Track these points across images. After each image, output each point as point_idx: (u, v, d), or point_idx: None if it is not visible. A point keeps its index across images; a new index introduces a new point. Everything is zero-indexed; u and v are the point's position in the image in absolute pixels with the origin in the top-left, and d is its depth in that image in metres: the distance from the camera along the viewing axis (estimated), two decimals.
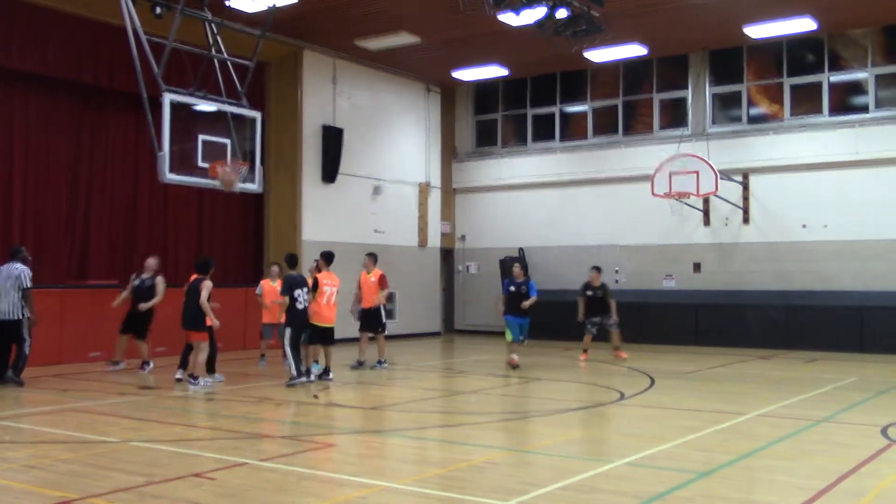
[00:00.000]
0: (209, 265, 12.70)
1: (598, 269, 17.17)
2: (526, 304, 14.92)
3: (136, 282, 14.35)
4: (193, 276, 12.54)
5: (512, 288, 15.18)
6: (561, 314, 21.51)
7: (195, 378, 12.06)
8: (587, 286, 16.80)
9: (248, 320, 18.43)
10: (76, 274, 17.17)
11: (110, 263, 17.77)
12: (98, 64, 16.95)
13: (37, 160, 16.67)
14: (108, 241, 17.82)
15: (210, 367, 12.69)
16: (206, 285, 12.13)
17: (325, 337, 13.20)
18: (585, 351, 16.51)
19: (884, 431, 8.79)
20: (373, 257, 15.24)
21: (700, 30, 19.31)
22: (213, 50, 13.32)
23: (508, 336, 15.24)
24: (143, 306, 14.13)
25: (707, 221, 20.96)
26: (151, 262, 14.66)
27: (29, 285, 12.49)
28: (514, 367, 14.86)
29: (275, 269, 15.24)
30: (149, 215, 18.52)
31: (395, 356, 16.91)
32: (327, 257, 13.46)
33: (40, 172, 16.73)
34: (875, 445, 8.09)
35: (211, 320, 12.17)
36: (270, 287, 14.82)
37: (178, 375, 12.73)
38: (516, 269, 15.49)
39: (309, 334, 12.93)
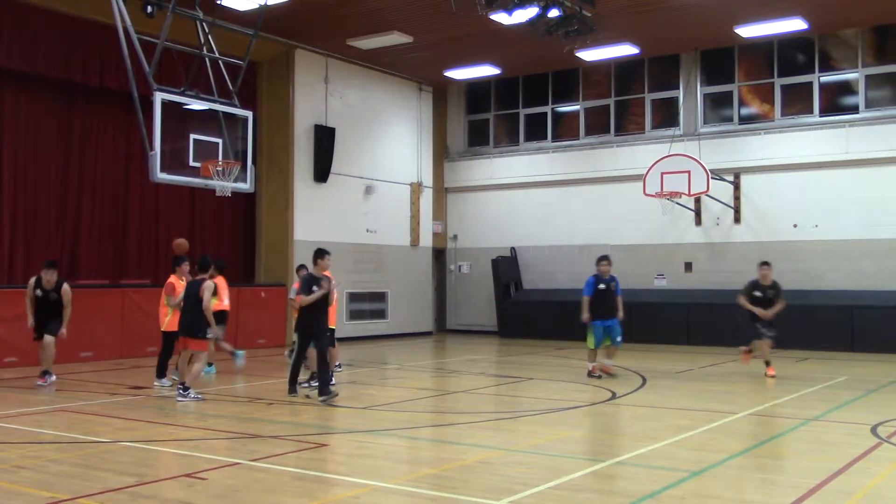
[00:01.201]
0: (209, 263, 11.81)
1: (767, 264, 14.11)
2: (621, 313, 13.45)
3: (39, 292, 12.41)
4: (195, 277, 11.63)
5: (601, 286, 13.35)
6: (552, 314, 21.59)
7: (186, 388, 10.96)
8: (755, 285, 14.00)
9: (240, 320, 18.39)
10: (67, 273, 17.06)
11: (101, 263, 17.72)
12: (88, 63, 16.90)
13: (26, 159, 16.61)
14: (99, 241, 17.77)
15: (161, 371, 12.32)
16: (208, 286, 11.18)
17: (330, 339, 13.07)
18: (769, 365, 13.91)
19: (874, 430, 8.82)
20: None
21: (691, 30, 19.36)
22: (204, 49, 13.28)
23: (591, 342, 13.38)
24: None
25: (698, 221, 21.02)
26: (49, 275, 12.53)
27: None
28: (609, 374, 13.36)
29: (303, 271, 14.52)
30: (140, 215, 18.47)
31: (387, 356, 16.88)
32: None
33: (30, 171, 16.68)
34: (865, 444, 8.12)
35: (214, 329, 11.36)
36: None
37: (158, 383, 12.23)
38: (604, 264, 13.52)
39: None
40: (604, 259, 13.63)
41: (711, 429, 9.00)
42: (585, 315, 13.28)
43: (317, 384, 11.63)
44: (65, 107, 17.26)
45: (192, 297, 11.12)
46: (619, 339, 13.45)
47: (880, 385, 12.85)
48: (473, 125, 25.16)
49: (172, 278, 12.51)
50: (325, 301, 11.23)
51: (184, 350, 11.69)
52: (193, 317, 11.05)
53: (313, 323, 11.12)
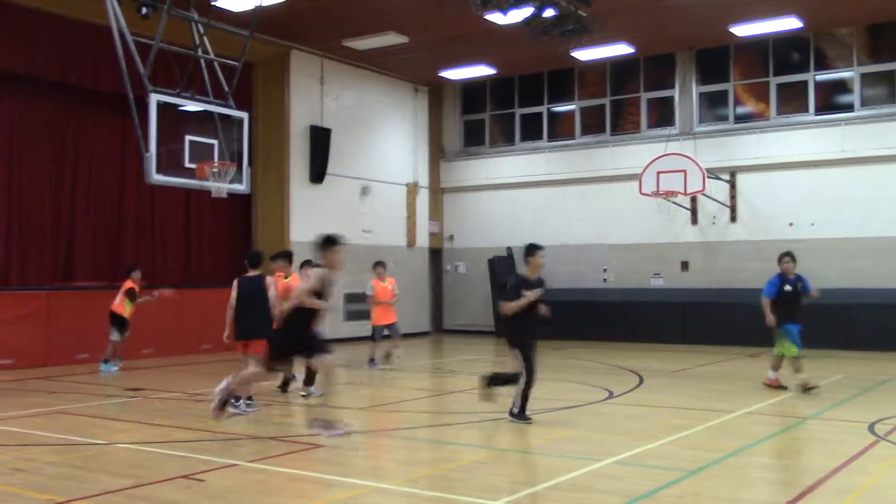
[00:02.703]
0: (261, 258, 10.96)
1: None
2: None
3: None
4: (250, 273, 10.80)
5: (787, 287, 11.80)
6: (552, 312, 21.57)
7: (238, 399, 9.92)
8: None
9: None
10: (63, 275, 17.09)
11: (97, 264, 17.70)
12: (83, 64, 16.88)
13: (21, 161, 16.58)
14: (95, 243, 17.75)
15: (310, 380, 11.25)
16: (272, 282, 10.60)
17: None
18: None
19: (871, 428, 8.83)
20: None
21: (687, 29, 19.37)
22: (199, 50, 13.27)
23: (792, 349, 11.69)
24: None
25: (695, 220, 21.04)
26: None
27: None
28: (815, 387, 11.59)
29: (381, 268, 14.89)
30: (135, 216, 18.45)
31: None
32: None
33: (25, 173, 16.65)
34: (862, 442, 8.13)
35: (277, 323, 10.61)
36: (382, 287, 14.61)
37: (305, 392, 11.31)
38: (787, 261, 11.85)
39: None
40: (787, 255, 11.93)
41: (708, 428, 9.00)
42: (770, 319, 11.77)
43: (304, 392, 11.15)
44: (60, 109, 17.23)
45: (253, 295, 10.41)
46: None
47: (877, 383, 12.87)
48: (469, 125, 25.15)
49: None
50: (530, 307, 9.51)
51: (243, 355, 10.54)
52: (259, 316, 10.27)
53: (524, 330, 9.53)
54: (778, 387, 11.88)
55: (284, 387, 11.59)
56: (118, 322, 14.59)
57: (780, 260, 11.98)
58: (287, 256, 11.70)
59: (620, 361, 15.84)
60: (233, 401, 9.84)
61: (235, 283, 10.66)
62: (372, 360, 14.71)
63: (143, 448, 8.01)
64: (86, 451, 7.91)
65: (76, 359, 15.51)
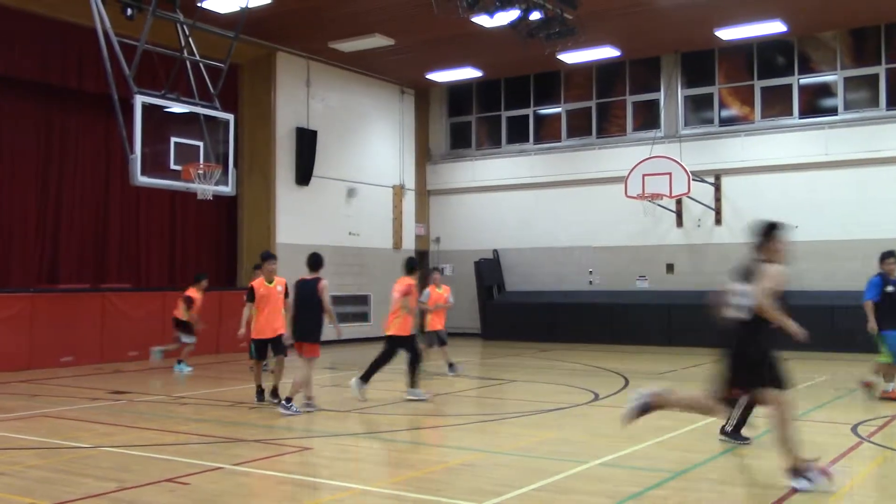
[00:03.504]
0: (321, 261, 10.73)
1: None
2: None
3: None
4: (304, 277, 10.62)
5: (890, 288, 10.86)
6: (535, 316, 21.64)
7: (289, 401, 10.14)
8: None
9: (223, 324, 18.29)
10: (47, 277, 16.98)
11: (81, 267, 17.60)
12: (67, 65, 16.79)
13: (4, 162, 16.48)
14: (80, 244, 17.66)
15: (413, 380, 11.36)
16: (326, 285, 10.48)
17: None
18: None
19: (854, 429, 8.89)
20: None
21: (672, 32, 19.45)
22: (185, 52, 13.23)
23: (886, 356, 10.92)
24: None
25: (680, 222, 21.12)
26: None
27: None
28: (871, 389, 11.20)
29: (436, 274, 14.71)
30: (120, 218, 18.36)
31: (369, 359, 16.80)
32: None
33: (8, 175, 16.55)
34: (846, 443, 8.19)
35: (339, 329, 10.65)
36: (438, 293, 14.34)
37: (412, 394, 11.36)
38: (890, 262, 10.90)
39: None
40: (890, 256, 10.97)
41: (694, 430, 9.03)
42: (872, 324, 10.97)
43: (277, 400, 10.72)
44: (44, 110, 17.15)
45: (308, 297, 10.32)
46: None
47: (861, 384, 12.92)
48: (455, 127, 25.16)
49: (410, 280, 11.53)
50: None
51: (301, 357, 10.48)
52: (314, 318, 10.33)
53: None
54: None
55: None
56: (182, 326, 14.92)
57: (881, 260, 11.07)
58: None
59: (606, 363, 15.87)
60: (284, 402, 10.14)
61: (293, 285, 10.66)
62: (451, 365, 14.39)
63: (128, 451, 7.96)
64: (69, 454, 7.86)
65: (59, 362, 15.41)
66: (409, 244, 23.87)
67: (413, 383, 11.40)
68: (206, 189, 12.85)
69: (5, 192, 16.48)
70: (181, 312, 14.91)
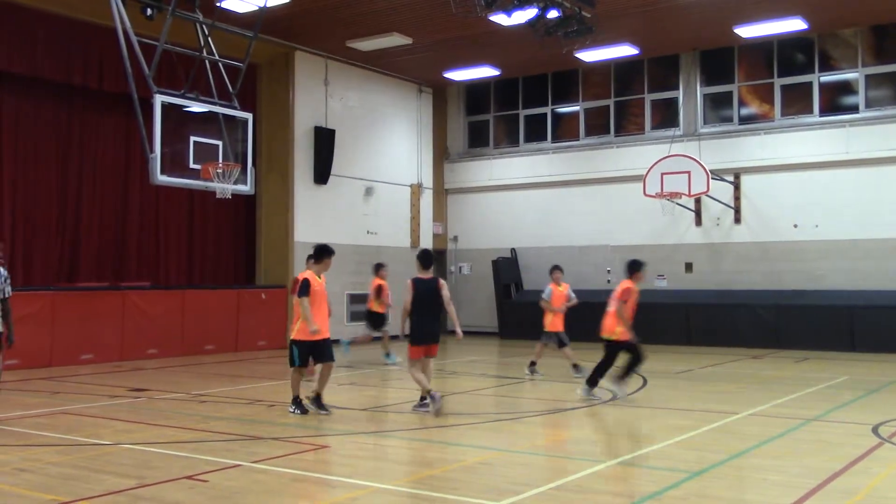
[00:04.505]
0: (432, 258, 10.34)
1: None
2: None
3: None
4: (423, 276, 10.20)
5: None
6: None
7: (424, 399, 10.02)
8: None
9: (240, 322, 18.41)
10: (67, 275, 17.13)
11: (101, 265, 17.74)
12: (87, 65, 16.91)
13: (26, 162, 16.63)
14: (99, 243, 17.79)
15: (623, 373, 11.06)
16: (445, 284, 10.15)
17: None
18: None
19: (875, 430, 8.82)
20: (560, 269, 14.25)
21: (691, 30, 19.36)
22: (204, 51, 13.29)
23: None
24: None
25: (698, 221, 21.01)
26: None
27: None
28: None
29: (558, 273, 14.17)
30: (139, 217, 18.48)
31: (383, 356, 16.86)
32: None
33: (30, 174, 16.69)
34: (866, 444, 8.12)
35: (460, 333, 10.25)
36: (560, 292, 13.83)
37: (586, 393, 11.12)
38: None
39: None
40: None
41: (712, 429, 8.99)
42: None
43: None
44: (65, 109, 17.28)
45: (434, 297, 9.90)
46: None
47: (881, 385, 12.84)
48: (473, 126, 25.16)
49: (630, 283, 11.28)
50: None
51: (425, 358, 10.09)
52: (437, 320, 10.00)
53: None
54: None
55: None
56: (373, 317, 15.68)
57: None
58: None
59: (624, 363, 15.80)
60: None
61: (410, 283, 9.99)
62: (576, 367, 13.63)
63: (147, 448, 8.02)
64: (90, 451, 7.93)
65: (80, 359, 15.54)
66: (426, 243, 23.87)
67: (623, 379, 11.02)
68: (224, 188, 12.90)
69: (27, 192, 16.63)
70: (373, 303, 15.56)
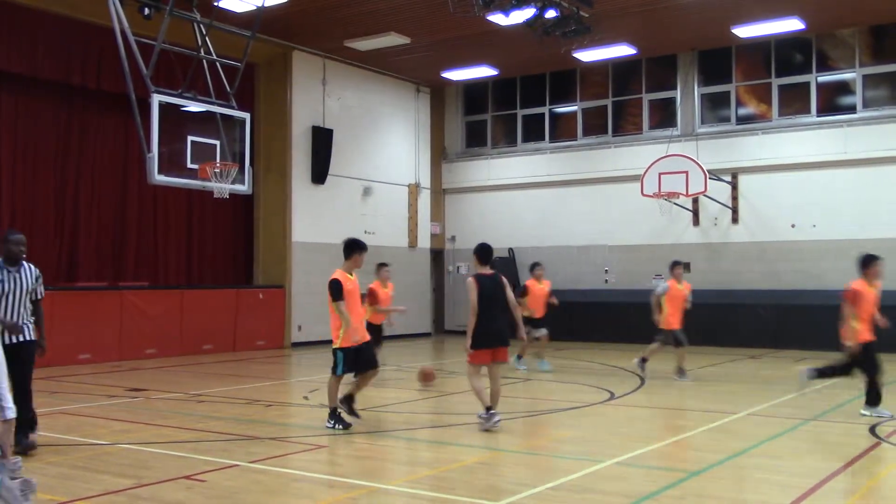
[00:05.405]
0: (492, 254, 9.53)
1: None
2: None
3: None
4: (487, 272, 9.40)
5: None
6: (552, 314, 21.55)
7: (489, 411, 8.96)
8: None
9: (239, 322, 18.39)
10: (65, 275, 17.11)
11: (99, 265, 17.72)
12: (85, 65, 16.90)
13: (24, 162, 16.61)
14: (98, 243, 17.77)
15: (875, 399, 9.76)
16: (507, 282, 9.41)
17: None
18: None
19: (872, 430, 8.83)
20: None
21: (689, 30, 19.38)
22: (201, 51, 13.28)
23: None
24: None
25: (696, 221, 21.03)
26: None
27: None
28: None
29: (678, 269, 13.74)
30: (138, 216, 18.47)
31: (385, 357, 16.84)
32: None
33: (28, 173, 16.68)
34: (864, 444, 8.13)
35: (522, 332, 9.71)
36: (678, 289, 13.54)
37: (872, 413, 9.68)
38: None
39: None
40: None
41: (710, 429, 9.00)
42: None
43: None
44: (63, 109, 17.26)
45: (500, 296, 9.10)
46: None
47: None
48: (471, 126, 25.16)
49: None
50: None
51: (492, 363, 9.17)
52: (505, 320, 9.11)
53: None
54: None
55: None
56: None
57: None
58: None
59: (622, 362, 15.84)
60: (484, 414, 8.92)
61: (473, 281, 9.13)
62: (681, 371, 13.37)
63: (145, 448, 8.01)
64: (88, 451, 7.92)
65: (78, 359, 15.52)
66: (424, 243, 23.89)
67: (876, 399, 9.76)
68: (222, 188, 12.88)
69: (25, 191, 16.61)
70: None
